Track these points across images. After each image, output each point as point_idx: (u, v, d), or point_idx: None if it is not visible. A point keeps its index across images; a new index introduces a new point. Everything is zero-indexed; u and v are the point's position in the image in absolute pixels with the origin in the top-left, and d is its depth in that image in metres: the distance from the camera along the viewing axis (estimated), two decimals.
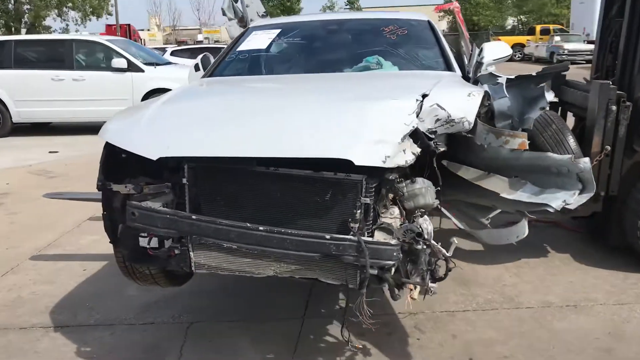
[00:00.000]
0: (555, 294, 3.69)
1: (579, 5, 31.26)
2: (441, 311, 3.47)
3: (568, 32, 32.48)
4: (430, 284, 2.43)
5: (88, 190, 6.05)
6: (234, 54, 4.01)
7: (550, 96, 3.21)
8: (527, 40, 33.87)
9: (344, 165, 2.35)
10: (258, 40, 4.01)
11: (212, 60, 4.02)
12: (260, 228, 2.38)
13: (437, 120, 2.55)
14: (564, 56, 27.66)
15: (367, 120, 2.49)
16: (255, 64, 4.00)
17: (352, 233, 2.37)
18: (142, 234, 2.74)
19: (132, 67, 10.38)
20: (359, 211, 2.37)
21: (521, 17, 40.55)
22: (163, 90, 9.95)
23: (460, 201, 3.03)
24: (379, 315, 3.00)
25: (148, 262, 2.88)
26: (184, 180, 2.53)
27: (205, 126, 2.62)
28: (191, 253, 2.58)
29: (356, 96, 2.88)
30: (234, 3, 5.95)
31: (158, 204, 2.59)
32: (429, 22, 4.18)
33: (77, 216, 5.65)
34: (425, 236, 2.42)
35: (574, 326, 3.30)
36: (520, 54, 33.81)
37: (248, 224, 2.39)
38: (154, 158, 2.49)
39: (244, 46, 4.02)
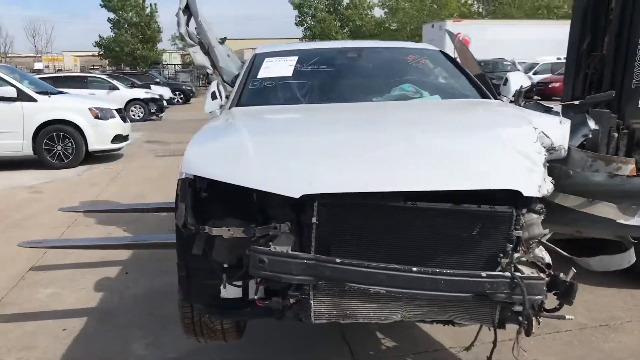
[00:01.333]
0: (582, 314, 3.80)
1: (430, 42, 33.84)
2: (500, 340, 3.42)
3: None
4: (567, 316, 2.39)
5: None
6: (257, 81, 3.72)
7: (592, 124, 3.35)
8: None
9: (484, 196, 2.23)
10: (277, 67, 3.78)
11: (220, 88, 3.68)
12: (414, 269, 2.17)
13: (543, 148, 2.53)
14: None
15: (514, 148, 2.39)
16: (288, 92, 3.74)
17: (500, 268, 2.25)
18: (236, 284, 2.40)
19: (22, 97, 9.21)
20: (510, 245, 2.26)
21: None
22: (60, 122, 9.10)
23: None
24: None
25: (234, 315, 2.52)
26: (314, 219, 2.23)
27: (340, 160, 2.35)
28: (312, 301, 2.29)
29: (477, 124, 2.78)
30: (187, 28, 5.59)
31: (286, 248, 2.26)
32: (441, 51, 4.22)
33: (12, 268, 4.85)
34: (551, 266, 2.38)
35: (621, 345, 3.42)
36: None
37: (399, 266, 2.17)
38: (296, 196, 2.19)
39: (264, 73, 3.75)
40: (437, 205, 2.23)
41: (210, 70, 5.41)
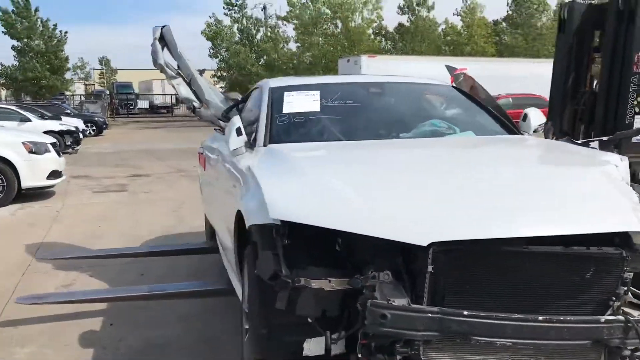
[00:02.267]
0: None
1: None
2: None
3: None
4: None
5: None
6: (284, 116, 3.52)
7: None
8: None
9: (589, 237, 2.19)
10: (301, 102, 3.60)
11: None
12: (540, 318, 2.06)
13: None
14: None
15: (615, 187, 2.37)
16: (322, 128, 3.55)
17: (611, 311, 2.20)
18: (333, 338, 2.20)
19: None
20: (622, 287, 2.21)
21: None
22: None
23: None
24: None
25: None
26: (429, 268, 2.07)
27: (461, 205, 2.22)
28: (422, 357, 2.11)
29: (566, 163, 2.74)
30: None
31: (404, 301, 2.07)
32: (454, 86, 4.22)
33: None
34: None
35: None
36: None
37: (523, 315, 2.06)
38: (424, 244, 2.02)
39: (289, 108, 3.55)
40: (552, 249, 2.15)
41: (197, 104, 5.12)
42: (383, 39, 44.54)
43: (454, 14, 46.53)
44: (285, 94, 3.72)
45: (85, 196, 9.55)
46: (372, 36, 42.69)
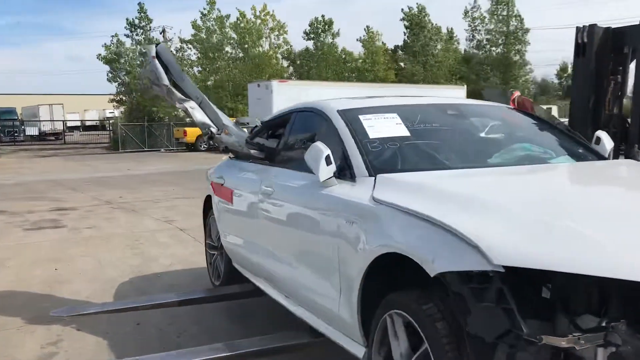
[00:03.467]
0: None
1: (256, 101, 34.34)
2: None
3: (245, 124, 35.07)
4: None
5: None
6: (374, 142, 3.09)
7: None
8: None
9: None
10: (384, 126, 3.21)
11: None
12: None
13: None
14: None
15: None
16: (424, 154, 3.18)
17: None
18: None
19: None
20: None
21: None
22: None
23: None
24: None
25: None
26: None
27: None
28: None
29: None
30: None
31: None
32: (518, 109, 4.02)
33: None
34: None
35: None
36: (206, 144, 34.96)
37: None
38: None
39: (375, 133, 3.15)
40: None
41: (214, 129, 4.56)
42: (291, 64, 44.74)
43: (357, 40, 47.69)
44: (361, 117, 3.33)
45: (17, 235, 8.42)
46: (280, 61, 42.73)
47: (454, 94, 38.13)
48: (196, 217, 9.78)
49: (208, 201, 5.07)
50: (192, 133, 35.17)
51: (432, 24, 49.24)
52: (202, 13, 39.39)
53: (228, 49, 39.89)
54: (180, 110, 4.75)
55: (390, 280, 2.58)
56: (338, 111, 3.44)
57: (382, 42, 48.69)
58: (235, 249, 4.37)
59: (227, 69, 39.10)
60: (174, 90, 4.63)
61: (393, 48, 50.10)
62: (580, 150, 3.46)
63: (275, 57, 41.37)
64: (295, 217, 3.32)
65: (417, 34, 47.92)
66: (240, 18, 39.66)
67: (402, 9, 49.66)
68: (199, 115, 4.57)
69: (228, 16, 39.69)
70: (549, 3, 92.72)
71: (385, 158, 3.04)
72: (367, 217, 2.62)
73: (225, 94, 38.89)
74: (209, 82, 40.19)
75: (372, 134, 3.16)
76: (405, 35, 48.97)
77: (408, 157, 3.13)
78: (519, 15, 51.07)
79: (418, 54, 47.19)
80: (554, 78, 58.65)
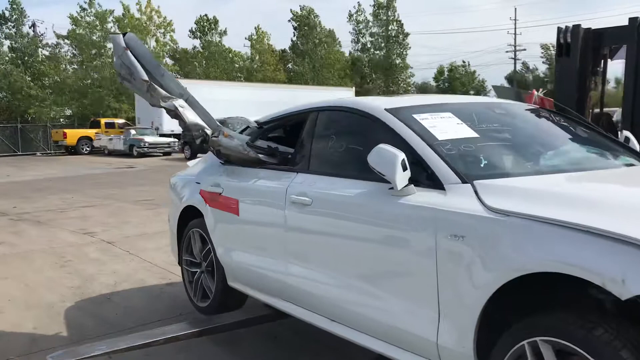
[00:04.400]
0: None
1: (144, 101, 32.70)
2: None
3: (133, 125, 33.32)
4: None
5: None
6: (446, 144, 2.67)
7: None
8: (96, 133, 32.99)
9: None
10: (446, 126, 2.81)
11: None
12: None
13: None
14: (145, 148, 28.41)
15: None
16: (503, 157, 2.81)
17: None
18: None
19: None
20: None
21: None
22: None
23: None
24: None
25: None
26: None
27: None
28: None
29: None
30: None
31: None
32: (550, 110, 3.79)
33: None
34: None
35: None
36: (88, 147, 32.73)
37: None
38: None
39: (442, 134, 2.74)
40: None
41: (209, 131, 3.91)
42: (176, 63, 43.04)
43: (245, 38, 47.08)
44: (417, 117, 2.92)
45: None
46: (167, 59, 40.98)
47: (345, 95, 38.89)
48: (117, 228, 8.91)
49: (186, 212, 4.39)
50: (73, 135, 32.77)
51: (321, 26, 49.78)
52: (81, 7, 36.82)
53: (110, 45, 37.63)
54: (164, 110, 4.03)
55: (512, 301, 2.23)
56: (387, 110, 3.03)
57: (268, 43, 48.40)
58: (241, 265, 3.77)
59: (109, 66, 36.86)
60: (156, 86, 3.93)
61: (283, 49, 50.02)
62: (629, 151, 3.30)
63: (162, 55, 39.61)
64: (359, 231, 2.84)
65: (306, 35, 48.19)
66: (125, 13, 37.55)
67: (291, 10, 49.84)
68: (190, 115, 3.90)
69: (112, 11, 37.45)
70: (423, 10, 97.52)
71: (471, 162, 2.64)
72: (484, 230, 2.23)
73: (106, 93, 36.62)
74: (88, 81, 37.69)
75: (439, 135, 2.76)
76: (294, 36, 49.10)
77: (497, 161, 2.74)
78: (399, 20, 53.10)
79: (307, 55, 47.44)
80: (431, 81, 61.59)
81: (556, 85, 5.32)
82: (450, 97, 3.64)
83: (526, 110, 3.56)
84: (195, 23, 43.73)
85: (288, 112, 3.91)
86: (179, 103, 3.89)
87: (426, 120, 2.89)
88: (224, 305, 4.06)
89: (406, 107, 3.08)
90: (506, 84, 59.47)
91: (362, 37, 53.56)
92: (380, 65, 52.20)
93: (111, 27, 36.99)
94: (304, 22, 48.70)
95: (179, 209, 4.46)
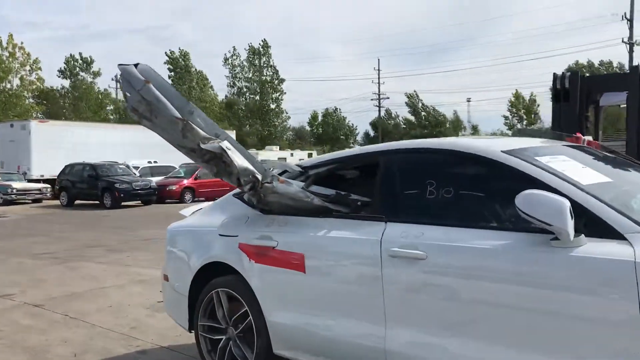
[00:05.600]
0: None
1: (9, 143, 29.88)
2: None
3: None
4: None
5: None
6: (594, 189, 2.50)
7: None
8: None
9: None
10: (576, 170, 2.68)
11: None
12: None
13: None
14: (12, 196, 25.72)
15: None
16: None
17: None
18: None
19: None
20: None
21: None
22: None
23: None
24: None
25: None
26: None
27: None
28: None
29: None
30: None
31: None
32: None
33: None
34: None
35: None
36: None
37: None
38: None
39: (583, 179, 2.58)
40: None
41: (259, 176, 3.31)
42: (42, 103, 39.94)
43: (112, 79, 44.95)
44: (540, 159, 2.73)
45: None
46: (31, 99, 37.87)
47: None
48: (35, 287, 7.66)
49: (202, 272, 3.73)
50: None
51: (196, 69, 49.10)
52: None
53: None
54: (202, 155, 3.31)
55: None
56: (505, 152, 2.78)
57: None
58: (305, 329, 3.22)
59: None
60: (193, 125, 3.30)
61: None
62: None
63: (25, 94, 36.57)
64: (506, 288, 2.48)
65: (181, 77, 47.20)
66: None
67: (166, 52, 48.67)
68: (239, 159, 3.31)
69: None
70: (296, 58, 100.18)
71: (631, 208, 2.47)
72: None
73: None
74: None
75: (581, 179, 2.57)
76: (170, 78, 47.86)
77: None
78: (274, 66, 54.00)
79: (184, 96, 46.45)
80: (306, 125, 62.95)
81: (554, 129, 5.45)
82: (529, 140, 3.42)
83: (601, 152, 3.47)
84: (64, 62, 41.08)
85: (347, 154, 3.53)
86: (225, 145, 3.29)
87: (553, 164, 2.68)
88: None
89: (524, 149, 2.85)
90: (371, 130, 62.61)
91: (238, 81, 53.66)
92: (256, 109, 52.47)
93: None
94: (179, 65, 47.81)
95: (193, 266, 3.79)
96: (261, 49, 52.81)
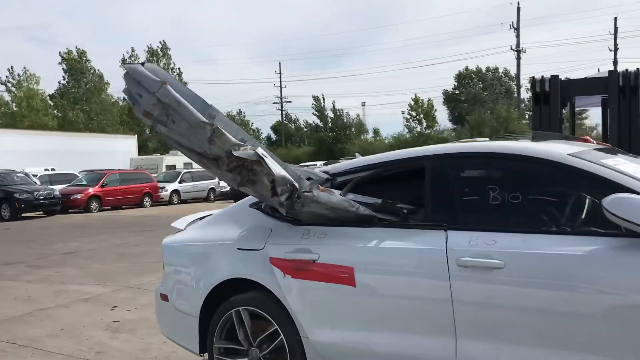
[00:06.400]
0: None
1: None
2: None
3: None
4: None
5: None
6: None
7: None
8: None
9: None
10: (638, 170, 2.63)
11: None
12: None
13: None
14: None
15: None
16: None
17: None
18: None
19: None
20: None
21: None
22: None
23: None
24: None
25: None
26: None
27: None
28: None
29: None
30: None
31: None
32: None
33: None
34: None
35: None
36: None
37: None
38: None
39: None
40: None
41: (297, 184, 2.97)
42: None
43: (6, 82, 41.65)
44: (606, 161, 2.67)
45: None
46: None
47: (127, 143, 36.52)
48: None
49: (216, 290, 3.36)
50: None
51: (95, 70, 46.52)
52: None
53: None
54: (229, 163, 2.92)
55: None
56: (573, 155, 2.71)
57: (35, 87, 43.68)
58: (355, 347, 2.95)
59: None
60: (223, 131, 2.92)
61: (51, 94, 45.39)
62: None
63: None
64: (603, 300, 2.39)
65: (77, 79, 44.52)
66: None
67: (60, 52, 45.67)
68: (275, 166, 2.98)
69: None
70: (196, 60, 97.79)
71: None
72: None
73: None
74: None
75: None
76: (64, 79, 44.95)
77: None
78: (177, 68, 52.45)
79: (80, 100, 43.81)
80: None
81: (535, 129, 5.58)
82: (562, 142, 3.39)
83: (626, 152, 3.52)
84: None
85: (384, 159, 3.31)
86: (261, 151, 2.95)
87: (622, 166, 2.65)
88: None
89: (587, 151, 2.80)
90: (272, 134, 62.49)
91: None
92: None
93: None
94: (75, 66, 45.11)
95: (206, 284, 3.43)
96: (160, 51, 51.00)
